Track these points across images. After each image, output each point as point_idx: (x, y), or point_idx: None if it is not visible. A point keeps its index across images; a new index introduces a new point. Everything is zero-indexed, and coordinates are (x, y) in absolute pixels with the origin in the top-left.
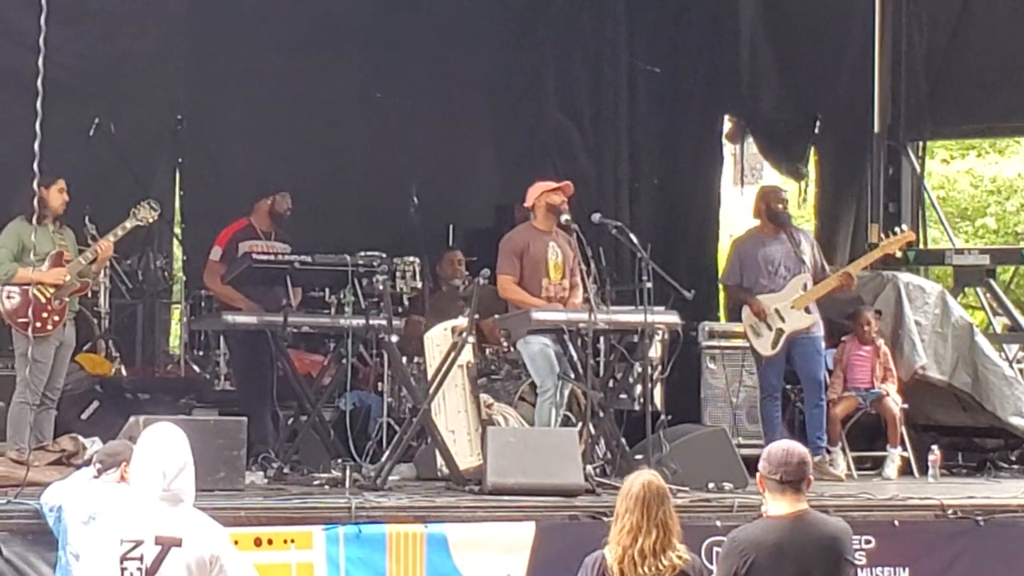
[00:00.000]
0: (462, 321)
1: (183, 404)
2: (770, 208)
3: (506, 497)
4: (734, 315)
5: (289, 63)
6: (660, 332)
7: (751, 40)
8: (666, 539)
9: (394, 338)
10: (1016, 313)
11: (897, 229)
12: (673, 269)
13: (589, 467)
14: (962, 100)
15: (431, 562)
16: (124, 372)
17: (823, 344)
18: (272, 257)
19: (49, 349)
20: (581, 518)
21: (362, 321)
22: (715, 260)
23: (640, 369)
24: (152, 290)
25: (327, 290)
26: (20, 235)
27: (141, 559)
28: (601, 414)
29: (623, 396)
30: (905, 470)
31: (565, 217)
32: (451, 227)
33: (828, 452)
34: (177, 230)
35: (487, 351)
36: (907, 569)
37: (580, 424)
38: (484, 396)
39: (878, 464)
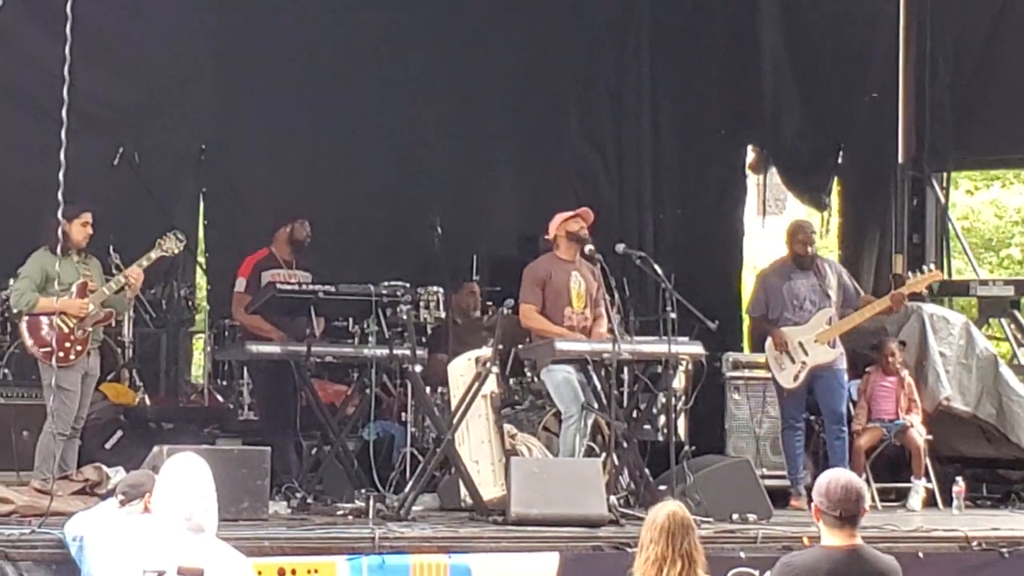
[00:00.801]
0: (486, 351)
1: (207, 434)
2: (793, 249)
3: (530, 527)
4: (758, 346)
5: (312, 93)
6: (684, 362)
7: (774, 70)
8: (691, 570)
9: (418, 368)
10: None
11: (925, 267)
12: (697, 299)
13: (613, 498)
14: (987, 130)
15: None
16: (148, 402)
17: (846, 377)
18: (296, 287)
19: (75, 378)
20: (605, 549)
21: (386, 351)
22: (739, 290)
23: (664, 399)
24: (176, 319)
25: (351, 320)
26: (44, 265)
27: None
28: (625, 444)
29: (647, 426)
30: (929, 501)
31: (589, 247)
32: (475, 257)
33: None
34: (201, 259)
35: (511, 381)
36: None
37: (604, 454)
38: (508, 426)
39: (902, 495)
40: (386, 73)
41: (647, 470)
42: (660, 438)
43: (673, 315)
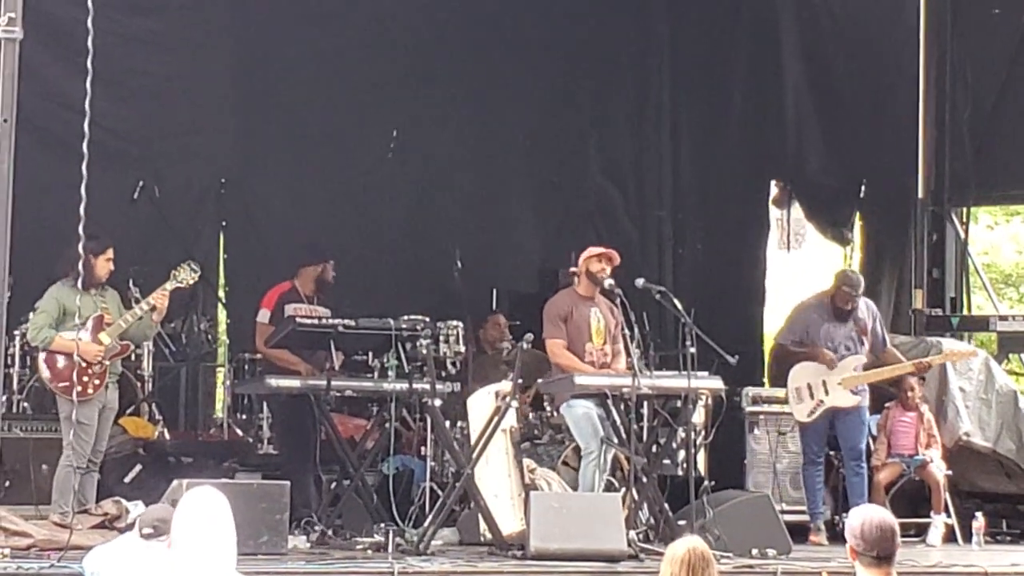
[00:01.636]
0: (505, 385)
1: (226, 468)
2: (835, 298)
3: (549, 562)
4: (779, 379)
5: (332, 125)
6: (704, 397)
7: (796, 104)
8: None
9: (438, 402)
10: None
11: (964, 346)
12: (717, 334)
13: (632, 532)
14: (1007, 165)
15: None
16: (167, 435)
17: (867, 415)
18: (316, 321)
19: (92, 412)
20: None
21: (405, 385)
22: (760, 325)
23: (683, 434)
24: (195, 353)
25: (370, 354)
26: (60, 300)
27: None
28: (644, 479)
29: (666, 461)
30: (949, 537)
31: (608, 282)
32: (494, 291)
33: None
34: (221, 293)
35: (530, 416)
36: None
37: (623, 489)
38: (527, 461)
39: (922, 531)
40: (406, 107)
41: (667, 505)
42: (680, 473)
43: (693, 350)
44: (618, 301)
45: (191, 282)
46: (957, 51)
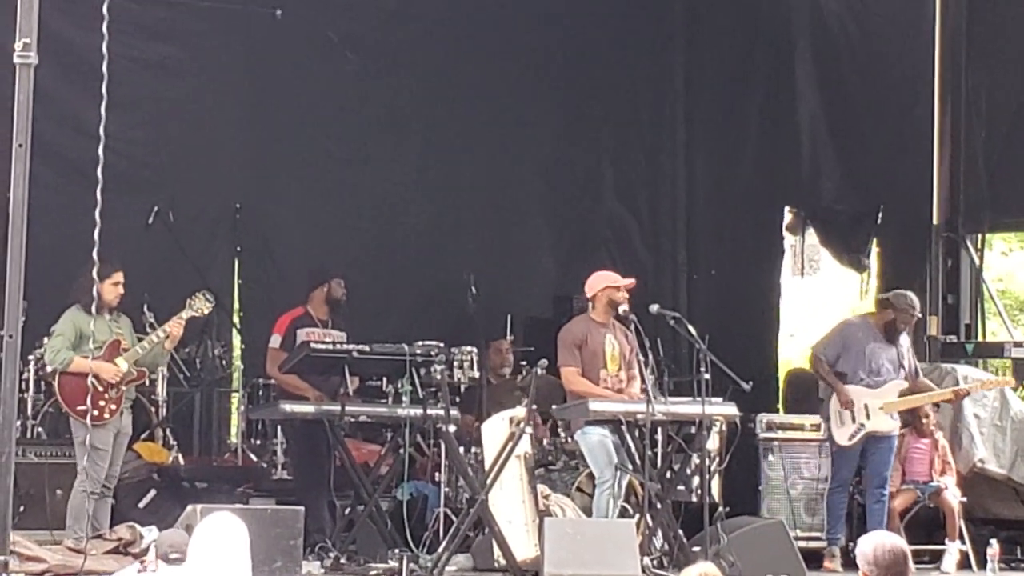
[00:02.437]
0: (519, 411)
1: (240, 493)
2: (893, 320)
3: None
4: (794, 405)
5: (346, 151)
6: (718, 423)
7: (811, 130)
8: None
9: (452, 428)
10: None
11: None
12: (731, 361)
13: (647, 559)
14: (1021, 192)
15: None
16: (181, 461)
17: (896, 443)
18: (330, 346)
19: (107, 437)
20: None
21: (419, 411)
22: (774, 352)
23: (698, 460)
24: (210, 379)
25: (384, 379)
26: (76, 323)
27: None
28: (659, 505)
29: (681, 487)
30: (964, 564)
31: (623, 308)
32: (509, 317)
33: None
34: (236, 318)
35: (544, 442)
36: None
37: (637, 515)
38: (541, 487)
39: (937, 558)
40: (421, 133)
41: (681, 531)
42: (694, 499)
43: (707, 376)
44: (632, 327)
45: (206, 311)
46: (972, 78)
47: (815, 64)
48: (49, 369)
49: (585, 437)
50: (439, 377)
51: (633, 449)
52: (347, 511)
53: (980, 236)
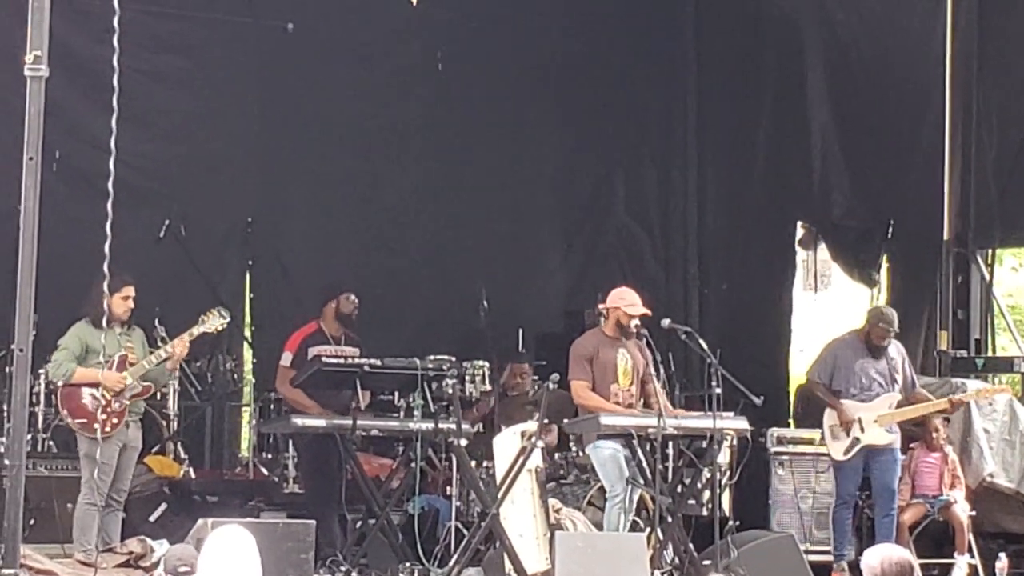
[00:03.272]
0: (531, 425)
1: (251, 507)
2: (871, 336)
3: None
4: (804, 419)
5: (358, 165)
6: (729, 438)
7: (823, 145)
8: None
9: (463, 442)
10: None
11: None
12: (742, 375)
13: (657, 572)
14: None
15: None
16: (192, 474)
17: (900, 455)
18: (341, 360)
19: (112, 450)
20: None
21: (431, 425)
22: (785, 366)
23: (709, 474)
24: (221, 392)
25: (396, 393)
26: (83, 337)
27: None
28: (669, 519)
29: (691, 501)
30: None
31: (635, 322)
32: (520, 331)
33: None
34: (247, 332)
35: (556, 456)
36: None
37: (648, 529)
38: (553, 501)
39: (946, 571)
40: (432, 147)
41: (691, 545)
42: (705, 513)
43: (718, 390)
44: (644, 342)
45: (219, 328)
46: (983, 93)
47: (826, 79)
48: (53, 382)
49: (597, 451)
50: (450, 391)
51: (644, 463)
52: (358, 525)
53: (990, 251)
